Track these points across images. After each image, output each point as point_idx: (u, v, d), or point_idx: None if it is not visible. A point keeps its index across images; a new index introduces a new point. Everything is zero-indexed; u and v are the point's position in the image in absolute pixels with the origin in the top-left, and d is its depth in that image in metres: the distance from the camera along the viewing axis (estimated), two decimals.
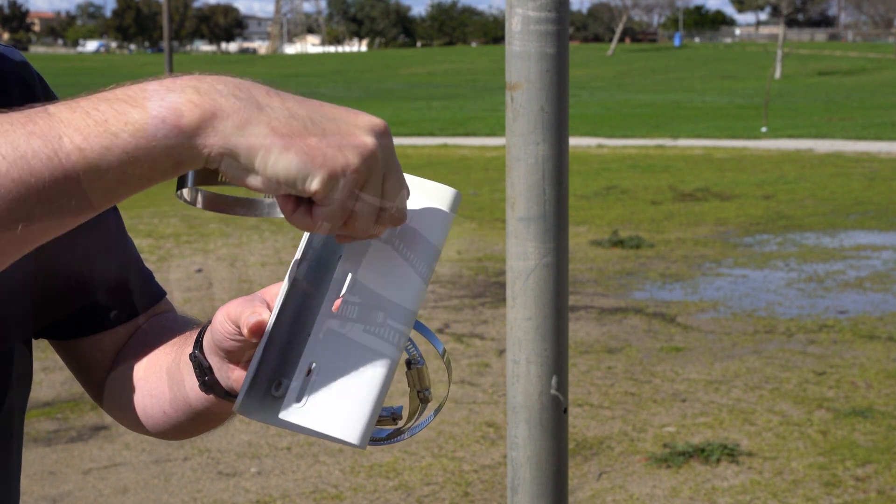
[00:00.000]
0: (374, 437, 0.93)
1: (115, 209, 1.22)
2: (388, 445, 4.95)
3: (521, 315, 1.91)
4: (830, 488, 4.48)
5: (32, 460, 4.81)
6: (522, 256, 1.90)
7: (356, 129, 0.80)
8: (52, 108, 0.75)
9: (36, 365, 5.54)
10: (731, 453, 4.80)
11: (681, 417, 5.31)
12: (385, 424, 0.94)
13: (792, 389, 5.73)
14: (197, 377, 1.03)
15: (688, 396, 5.63)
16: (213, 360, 1.00)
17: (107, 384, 1.21)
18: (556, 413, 1.94)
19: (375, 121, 0.81)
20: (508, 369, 1.96)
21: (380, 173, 0.80)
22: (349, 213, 0.80)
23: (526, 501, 1.96)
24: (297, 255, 0.91)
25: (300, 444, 4.96)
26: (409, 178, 0.89)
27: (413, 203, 0.89)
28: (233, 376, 0.99)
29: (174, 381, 1.10)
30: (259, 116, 0.76)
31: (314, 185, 0.77)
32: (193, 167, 0.77)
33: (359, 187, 0.79)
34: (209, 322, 1.00)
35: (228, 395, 1.02)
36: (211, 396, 1.04)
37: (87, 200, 0.75)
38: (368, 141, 0.79)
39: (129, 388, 1.16)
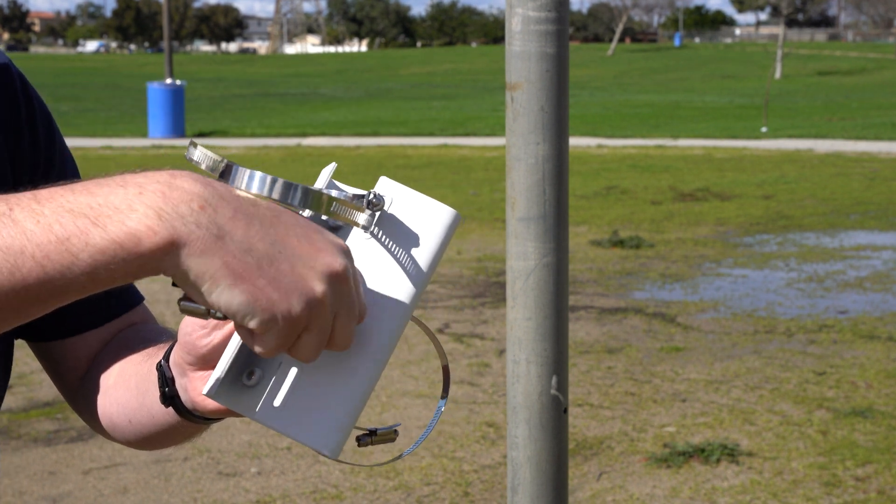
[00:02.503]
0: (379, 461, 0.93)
1: None
2: (390, 446, 4.95)
3: (521, 315, 1.91)
4: (830, 488, 4.48)
5: (32, 460, 4.80)
6: (522, 256, 1.90)
7: (310, 272, 0.78)
8: (17, 212, 0.75)
9: (35, 365, 5.54)
10: (731, 453, 4.80)
11: (681, 417, 5.31)
12: (380, 441, 0.94)
13: (792, 389, 5.73)
14: (159, 387, 1.03)
15: (688, 396, 5.63)
16: (176, 372, 1.01)
17: (79, 389, 1.21)
18: (556, 413, 1.94)
19: (334, 265, 0.79)
20: (508, 369, 1.96)
21: (327, 318, 0.80)
22: (288, 346, 0.80)
23: (526, 501, 1.96)
24: None
25: (300, 444, 4.96)
26: (412, 194, 0.88)
27: (412, 218, 0.88)
28: (191, 390, 1.00)
29: (140, 392, 1.11)
30: (215, 247, 0.76)
31: (253, 323, 0.77)
32: (148, 276, 0.80)
33: (299, 331, 0.79)
34: None
35: (187, 411, 1.03)
36: (171, 410, 1.04)
37: (44, 307, 0.77)
38: (318, 289, 0.78)
39: (99, 395, 1.17)
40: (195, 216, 0.76)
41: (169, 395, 1.02)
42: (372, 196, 0.87)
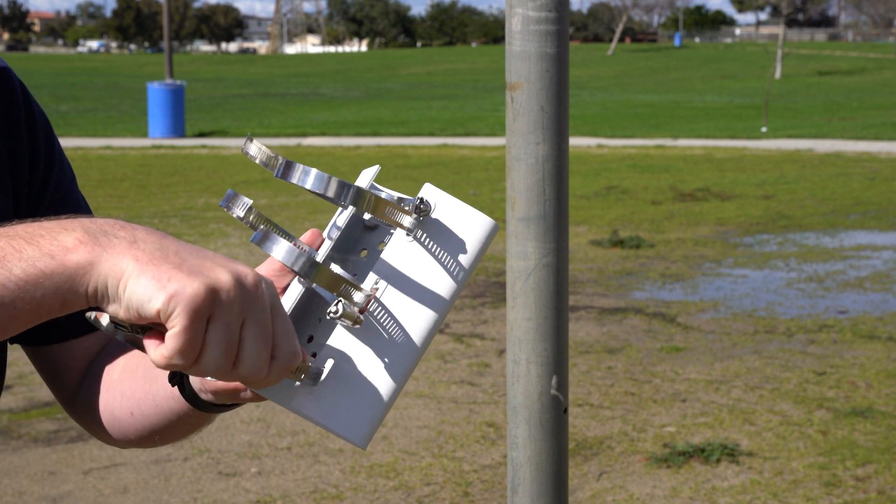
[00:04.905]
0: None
1: (87, 209, 1.22)
2: (390, 446, 4.93)
3: (521, 315, 1.91)
4: (830, 488, 4.48)
5: (32, 460, 4.80)
6: (522, 256, 1.90)
7: (218, 267, 0.80)
8: None
9: None
10: (731, 453, 4.80)
11: (681, 417, 5.31)
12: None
13: (792, 389, 5.73)
14: None
15: (688, 396, 5.63)
16: None
17: (78, 390, 1.21)
18: (556, 413, 1.93)
19: (246, 270, 0.81)
20: (508, 369, 1.96)
21: (231, 313, 0.80)
22: (197, 345, 0.80)
23: (526, 501, 1.96)
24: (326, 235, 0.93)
25: (300, 444, 4.96)
26: (454, 202, 0.91)
27: (454, 225, 0.91)
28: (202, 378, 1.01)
29: (148, 379, 1.11)
30: (128, 249, 0.80)
31: (155, 304, 0.78)
32: (78, 307, 0.81)
33: (202, 319, 0.79)
34: None
35: (194, 394, 1.04)
36: (178, 397, 1.05)
37: None
38: (223, 276, 0.80)
39: (102, 390, 1.17)
40: (115, 230, 0.81)
41: (179, 373, 1.03)
42: (419, 202, 0.90)
